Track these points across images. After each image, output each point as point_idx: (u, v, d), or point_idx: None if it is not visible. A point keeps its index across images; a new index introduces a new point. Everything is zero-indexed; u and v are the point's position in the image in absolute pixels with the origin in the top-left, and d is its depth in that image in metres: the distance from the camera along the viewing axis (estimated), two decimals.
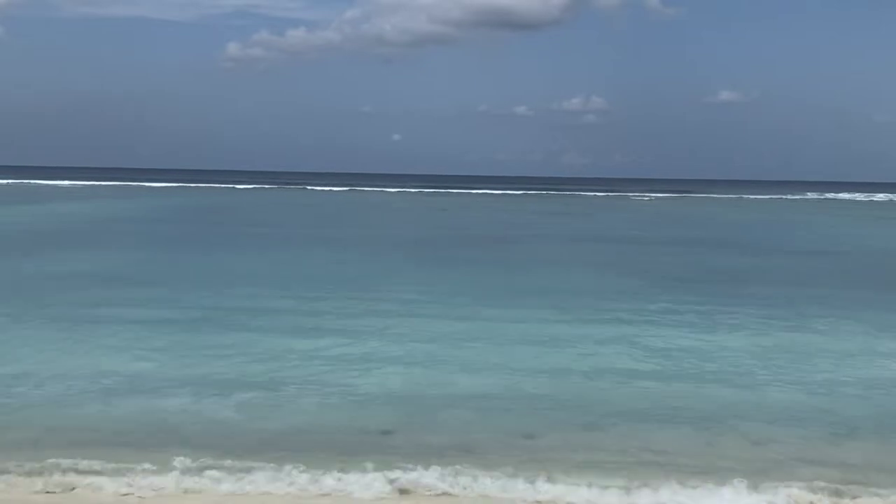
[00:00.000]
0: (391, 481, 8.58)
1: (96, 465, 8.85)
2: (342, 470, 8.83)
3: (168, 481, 8.57)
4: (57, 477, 8.56)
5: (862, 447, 10.03)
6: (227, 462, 9.04)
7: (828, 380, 13.04)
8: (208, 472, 8.74)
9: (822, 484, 8.69)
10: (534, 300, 19.79)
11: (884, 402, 12.01)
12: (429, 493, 8.45)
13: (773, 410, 11.41)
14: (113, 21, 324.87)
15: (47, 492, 8.33)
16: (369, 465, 8.91)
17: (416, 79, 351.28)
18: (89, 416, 10.65)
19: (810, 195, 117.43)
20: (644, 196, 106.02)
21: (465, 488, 8.51)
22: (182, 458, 9.02)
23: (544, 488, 8.47)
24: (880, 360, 14.48)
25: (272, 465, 8.95)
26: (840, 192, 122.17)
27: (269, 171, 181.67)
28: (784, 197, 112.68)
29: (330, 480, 8.64)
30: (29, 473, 8.66)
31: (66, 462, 8.87)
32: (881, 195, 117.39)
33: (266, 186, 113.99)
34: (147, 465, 8.86)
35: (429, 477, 8.65)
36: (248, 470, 8.83)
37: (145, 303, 18.37)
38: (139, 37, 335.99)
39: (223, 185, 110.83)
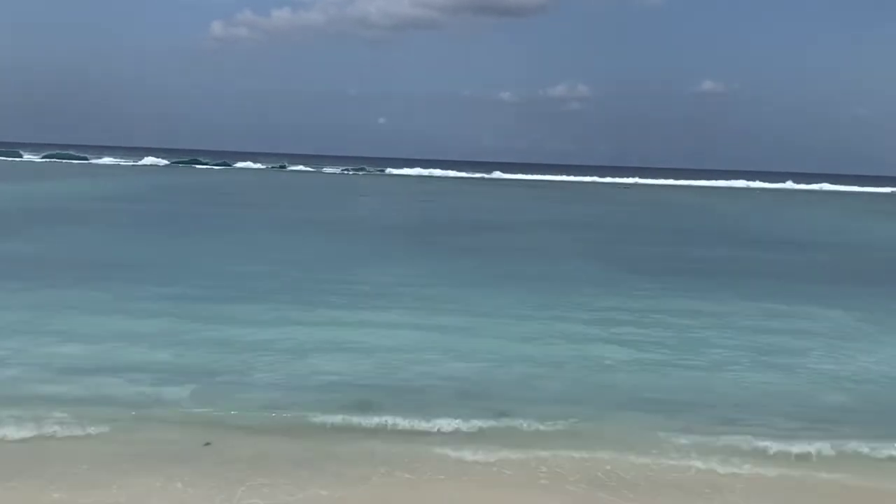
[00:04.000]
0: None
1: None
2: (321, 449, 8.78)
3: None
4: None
5: (840, 435, 10.08)
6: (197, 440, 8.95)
7: (810, 370, 13.13)
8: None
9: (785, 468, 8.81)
10: (515, 286, 19.78)
11: (866, 394, 12.07)
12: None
13: (747, 397, 11.49)
14: None
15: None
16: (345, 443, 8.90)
17: (401, 62, 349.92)
18: (48, 397, 10.45)
19: (793, 185, 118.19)
20: (627, 182, 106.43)
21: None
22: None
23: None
24: (865, 351, 14.55)
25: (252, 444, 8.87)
26: (823, 183, 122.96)
27: (250, 152, 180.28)
28: (766, 186, 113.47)
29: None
30: None
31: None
32: (868, 188, 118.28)
33: (250, 166, 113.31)
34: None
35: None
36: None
37: (115, 285, 18.13)
38: (121, 12, 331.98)
39: (200, 166, 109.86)
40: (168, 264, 21.06)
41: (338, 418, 9.87)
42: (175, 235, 28.11)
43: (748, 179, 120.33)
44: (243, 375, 11.60)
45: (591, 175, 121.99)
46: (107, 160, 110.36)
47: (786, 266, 26.60)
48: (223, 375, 11.60)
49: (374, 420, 9.87)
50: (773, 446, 9.49)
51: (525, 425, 9.87)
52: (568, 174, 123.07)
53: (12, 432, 9.01)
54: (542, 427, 9.82)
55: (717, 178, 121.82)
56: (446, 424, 9.75)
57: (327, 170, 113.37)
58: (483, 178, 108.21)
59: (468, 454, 8.92)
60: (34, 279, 18.08)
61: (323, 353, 12.87)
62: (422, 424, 9.76)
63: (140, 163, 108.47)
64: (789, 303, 18.83)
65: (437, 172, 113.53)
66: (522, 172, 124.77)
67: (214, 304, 16.25)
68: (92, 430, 9.19)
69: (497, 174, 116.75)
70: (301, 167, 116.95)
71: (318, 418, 9.86)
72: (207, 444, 8.87)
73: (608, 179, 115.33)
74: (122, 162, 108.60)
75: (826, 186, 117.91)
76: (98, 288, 17.32)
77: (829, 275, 24.87)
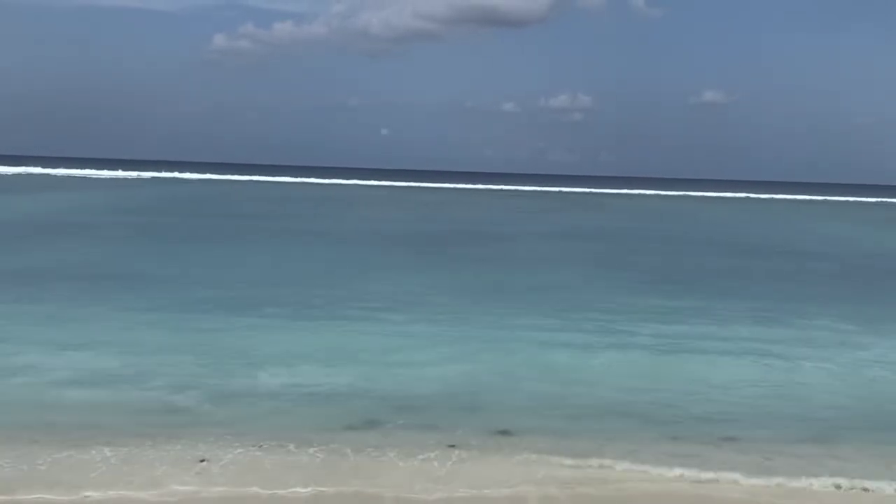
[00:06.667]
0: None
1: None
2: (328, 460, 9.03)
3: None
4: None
5: (833, 443, 10.26)
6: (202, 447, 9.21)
7: (804, 374, 13.35)
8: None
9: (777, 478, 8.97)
10: (518, 296, 20.01)
11: (861, 399, 12.23)
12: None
13: (743, 406, 11.67)
14: (102, 11, 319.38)
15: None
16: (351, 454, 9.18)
17: (403, 74, 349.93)
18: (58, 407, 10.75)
19: (794, 196, 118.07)
20: (628, 193, 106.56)
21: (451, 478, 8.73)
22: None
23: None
24: (864, 356, 14.76)
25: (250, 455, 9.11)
26: (825, 194, 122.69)
27: (253, 164, 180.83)
28: (768, 197, 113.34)
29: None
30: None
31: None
32: (870, 198, 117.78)
33: (256, 178, 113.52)
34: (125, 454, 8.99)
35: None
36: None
37: (127, 296, 18.38)
38: (124, 26, 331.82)
39: (198, 177, 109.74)
40: (185, 274, 21.30)
41: (342, 431, 10.11)
42: (189, 247, 28.35)
43: (750, 190, 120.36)
44: (253, 386, 11.84)
45: (593, 186, 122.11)
46: (118, 173, 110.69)
47: (786, 274, 26.76)
48: (236, 382, 11.87)
49: (376, 432, 10.12)
50: (769, 456, 9.65)
51: (523, 435, 10.10)
52: (570, 185, 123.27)
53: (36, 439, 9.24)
54: (540, 436, 10.04)
55: (719, 189, 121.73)
56: (444, 434, 10.00)
57: (334, 181, 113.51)
58: (487, 190, 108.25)
59: (463, 460, 9.15)
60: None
61: (328, 364, 13.11)
62: (422, 431, 10.00)
63: (149, 175, 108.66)
64: (789, 310, 19.03)
65: (441, 184, 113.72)
66: (525, 184, 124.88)
67: (230, 312, 16.61)
68: (104, 438, 9.42)
69: (501, 186, 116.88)
70: (305, 178, 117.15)
71: (324, 431, 10.09)
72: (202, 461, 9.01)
73: (612, 191, 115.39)
74: (130, 174, 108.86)
75: (828, 197, 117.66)
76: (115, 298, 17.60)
77: (830, 283, 25.01)
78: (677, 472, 9.08)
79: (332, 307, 17.70)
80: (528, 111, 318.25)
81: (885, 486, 8.92)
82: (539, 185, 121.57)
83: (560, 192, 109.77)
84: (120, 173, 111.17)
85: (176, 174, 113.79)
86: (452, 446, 9.72)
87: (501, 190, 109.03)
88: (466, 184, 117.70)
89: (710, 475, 9.01)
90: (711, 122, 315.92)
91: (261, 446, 9.47)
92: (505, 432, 10.26)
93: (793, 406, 11.83)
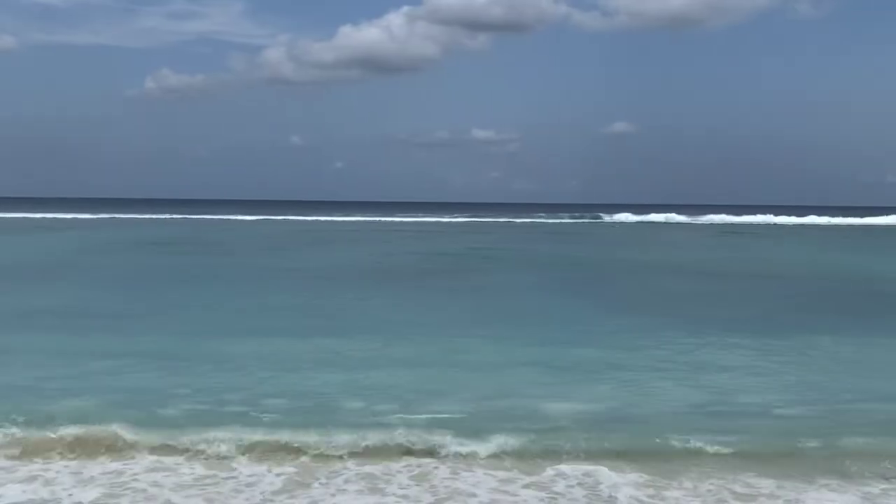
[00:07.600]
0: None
1: None
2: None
3: None
4: None
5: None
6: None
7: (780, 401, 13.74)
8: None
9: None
10: (489, 325, 20.73)
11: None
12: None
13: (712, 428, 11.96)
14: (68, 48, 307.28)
15: None
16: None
17: (353, 106, 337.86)
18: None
19: (774, 218, 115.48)
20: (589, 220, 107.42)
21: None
22: None
23: None
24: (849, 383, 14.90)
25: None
26: (810, 215, 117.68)
27: (219, 200, 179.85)
28: (746, 220, 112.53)
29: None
30: None
31: None
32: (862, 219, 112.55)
33: (226, 217, 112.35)
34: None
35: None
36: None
37: (105, 339, 18.39)
38: (49, 64, 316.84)
39: (150, 217, 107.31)
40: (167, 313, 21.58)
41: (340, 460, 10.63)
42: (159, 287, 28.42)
43: (726, 213, 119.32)
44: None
45: (559, 214, 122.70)
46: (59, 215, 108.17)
47: (747, 299, 27.79)
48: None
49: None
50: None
51: (499, 453, 10.76)
52: (535, 212, 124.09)
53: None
54: (514, 453, 10.72)
55: (692, 213, 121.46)
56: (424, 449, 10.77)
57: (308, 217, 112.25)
58: (453, 222, 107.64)
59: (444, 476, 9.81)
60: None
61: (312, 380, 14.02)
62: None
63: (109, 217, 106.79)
64: (771, 335, 19.55)
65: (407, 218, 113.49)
66: (489, 213, 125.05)
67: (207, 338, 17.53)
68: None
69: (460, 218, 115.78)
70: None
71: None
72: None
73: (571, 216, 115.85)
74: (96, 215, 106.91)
75: (814, 219, 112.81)
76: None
77: (806, 307, 25.69)
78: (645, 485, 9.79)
79: (292, 346, 17.77)
80: (461, 142, 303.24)
81: None
82: (501, 214, 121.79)
83: (525, 222, 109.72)
84: (61, 216, 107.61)
85: (119, 214, 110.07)
86: (433, 458, 10.50)
87: (467, 222, 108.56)
88: (430, 215, 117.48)
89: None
90: (624, 150, 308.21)
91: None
92: (482, 448, 10.82)
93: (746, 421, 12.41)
